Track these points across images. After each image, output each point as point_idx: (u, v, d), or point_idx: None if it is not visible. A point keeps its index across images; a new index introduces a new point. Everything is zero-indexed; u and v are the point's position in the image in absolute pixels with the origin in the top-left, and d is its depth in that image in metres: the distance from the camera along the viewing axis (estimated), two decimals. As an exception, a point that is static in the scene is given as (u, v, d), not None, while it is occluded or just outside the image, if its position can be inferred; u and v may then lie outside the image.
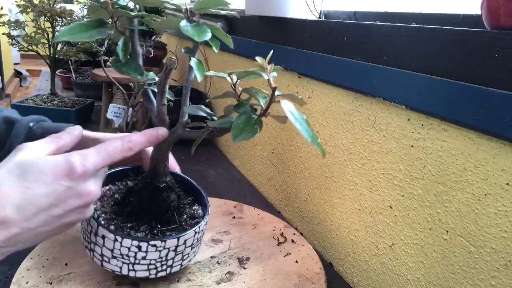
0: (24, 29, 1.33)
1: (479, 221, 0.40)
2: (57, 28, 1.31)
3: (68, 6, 1.34)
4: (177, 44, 1.51)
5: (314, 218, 0.69)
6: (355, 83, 0.56)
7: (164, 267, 0.46)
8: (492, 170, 0.38)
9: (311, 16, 0.75)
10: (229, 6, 0.41)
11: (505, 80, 0.36)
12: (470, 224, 0.41)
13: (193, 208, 0.53)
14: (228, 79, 0.41)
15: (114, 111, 1.07)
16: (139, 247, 0.44)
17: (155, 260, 0.45)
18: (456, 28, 0.40)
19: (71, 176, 0.37)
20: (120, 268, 0.45)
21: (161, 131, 0.45)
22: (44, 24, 1.29)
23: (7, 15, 1.40)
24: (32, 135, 0.53)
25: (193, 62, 0.41)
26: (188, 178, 0.56)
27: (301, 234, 0.67)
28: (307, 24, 0.67)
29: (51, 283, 0.47)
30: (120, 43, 0.41)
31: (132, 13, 0.41)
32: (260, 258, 0.56)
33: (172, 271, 0.47)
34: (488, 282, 0.39)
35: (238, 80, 0.42)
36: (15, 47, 1.36)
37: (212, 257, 0.56)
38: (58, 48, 1.38)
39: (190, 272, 0.52)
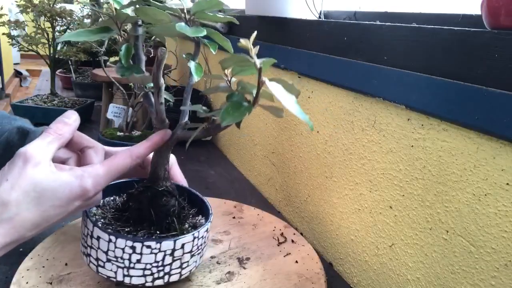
0: (24, 29, 1.33)
1: (479, 221, 0.40)
2: (57, 28, 1.31)
3: (68, 6, 1.34)
4: (176, 44, 1.51)
5: (314, 218, 0.69)
6: (355, 83, 0.56)
7: (161, 273, 0.44)
8: (492, 170, 0.38)
9: (311, 16, 0.75)
10: (228, 7, 0.41)
11: (505, 80, 0.36)
12: (470, 224, 0.41)
13: (196, 218, 0.52)
14: (224, 76, 0.41)
15: (114, 111, 1.07)
16: (133, 248, 0.42)
17: (150, 264, 0.43)
18: (456, 28, 0.40)
19: (83, 198, 0.41)
20: (115, 273, 0.43)
21: (165, 134, 0.47)
22: (44, 24, 1.29)
23: (7, 15, 1.40)
24: None
25: (192, 64, 0.42)
26: (194, 191, 0.54)
27: (301, 234, 0.67)
28: (307, 24, 0.67)
29: (51, 283, 0.47)
30: (123, 49, 0.43)
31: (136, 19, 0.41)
32: (260, 258, 0.57)
33: (171, 280, 0.45)
34: (488, 282, 0.39)
35: (233, 78, 0.41)
36: (15, 47, 1.36)
37: (212, 257, 0.56)
38: (58, 48, 1.38)
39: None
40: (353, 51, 0.55)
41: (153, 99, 0.47)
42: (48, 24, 1.29)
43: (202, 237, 0.47)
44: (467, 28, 0.39)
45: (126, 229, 0.46)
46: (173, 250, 0.44)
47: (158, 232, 0.46)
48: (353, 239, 0.59)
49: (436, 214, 0.45)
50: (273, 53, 0.76)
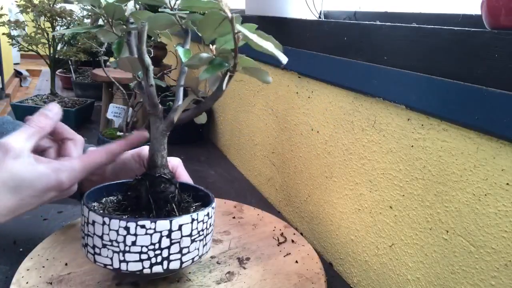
0: (24, 29, 1.33)
1: (479, 221, 0.40)
2: (57, 28, 1.31)
3: (68, 6, 1.34)
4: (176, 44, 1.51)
5: (314, 218, 0.69)
6: (355, 83, 0.56)
7: (159, 258, 0.42)
8: (492, 170, 0.38)
9: (311, 16, 0.75)
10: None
11: (505, 80, 0.36)
12: (470, 224, 0.41)
13: (200, 209, 0.51)
14: (210, 53, 0.42)
15: (114, 111, 1.07)
16: (127, 229, 0.41)
17: (146, 247, 0.41)
18: (456, 28, 0.40)
19: (58, 189, 0.45)
20: (111, 259, 0.42)
21: (142, 135, 0.52)
22: (44, 24, 1.29)
23: (7, 15, 1.40)
24: None
25: (179, 49, 0.44)
26: (198, 186, 0.54)
27: (301, 234, 0.67)
28: (307, 24, 0.67)
29: (51, 283, 0.47)
30: (115, 43, 0.47)
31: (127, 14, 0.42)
32: (260, 258, 0.57)
33: (171, 267, 0.43)
34: (488, 282, 0.39)
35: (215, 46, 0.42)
36: (15, 47, 1.36)
37: (212, 257, 0.56)
38: (58, 48, 1.38)
39: (190, 272, 0.52)
40: (353, 51, 0.55)
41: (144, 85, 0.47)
42: (48, 24, 1.29)
43: (202, 221, 0.45)
44: (467, 28, 0.39)
45: (124, 217, 0.44)
46: (170, 231, 0.42)
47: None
48: (353, 239, 0.59)
49: (436, 214, 0.45)
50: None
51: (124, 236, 0.41)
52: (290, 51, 0.71)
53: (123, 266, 0.42)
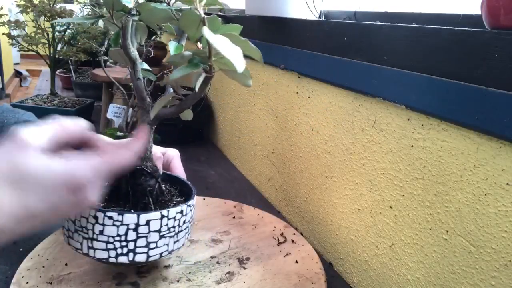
0: (24, 29, 1.33)
1: (479, 221, 0.40)
2: (57, 28, 1.31)
3: (68, 6, 1.34)
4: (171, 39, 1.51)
5: (314, 218, 0.69)
6: (355, 83, 0.56)
7: (125, 250, 0.43)
8: (492, 170, 0.38)
9: (311, 16, 0.75)
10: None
11: (505, 80, 0.36)
12: (470, 224, 0.41)
13: (182, 205, 0.49)
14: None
15: (114, 111, 1.07)
16: (96, 218, 0.42)
17: (113, 237, 0.43)
18: (456, 28, 0.40)
19: (70, 185, 0.36)
20: (81, 244, 0.44)
21: (144, 130, 0.47)
22: (44, 24, 1.29)
23: (7, 15, 1.40)
24: None
25: (171, 44, 0.44)
26: (185, 180, 0.54)
27: (301, 234, 0.67)
28: (307, 24, 0.67)
29: (51, 283, 0.47)
30: (113, 34, 0.47)
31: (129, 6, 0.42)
32: (260, 258, 0.57)
33: (136, 259, 0.44)
34: (488, 282, 0.39)
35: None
36: (15, 47, 1.36)
37: (212, 257, 0.56)
38: (58, 48, 1.38)
39: (190, 272, 0.52)
40: (353, 51, 0.55)
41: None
42: (48, 24, 1.29)
43: (174, 218, 0.45)
44: (467, 28, 0.39)
45: (101, 205, 0.45)
46: (137, 225, 0.43)
47: (132, 210, 0.45)
48: (353, 239, 0.59)
49: (436, 214, 0.45)
50: (273, 53, 0.76)
51: (93, 225, 0.43)
52: (290, 51, 0.71)
53: (91, 253, 0.44)
